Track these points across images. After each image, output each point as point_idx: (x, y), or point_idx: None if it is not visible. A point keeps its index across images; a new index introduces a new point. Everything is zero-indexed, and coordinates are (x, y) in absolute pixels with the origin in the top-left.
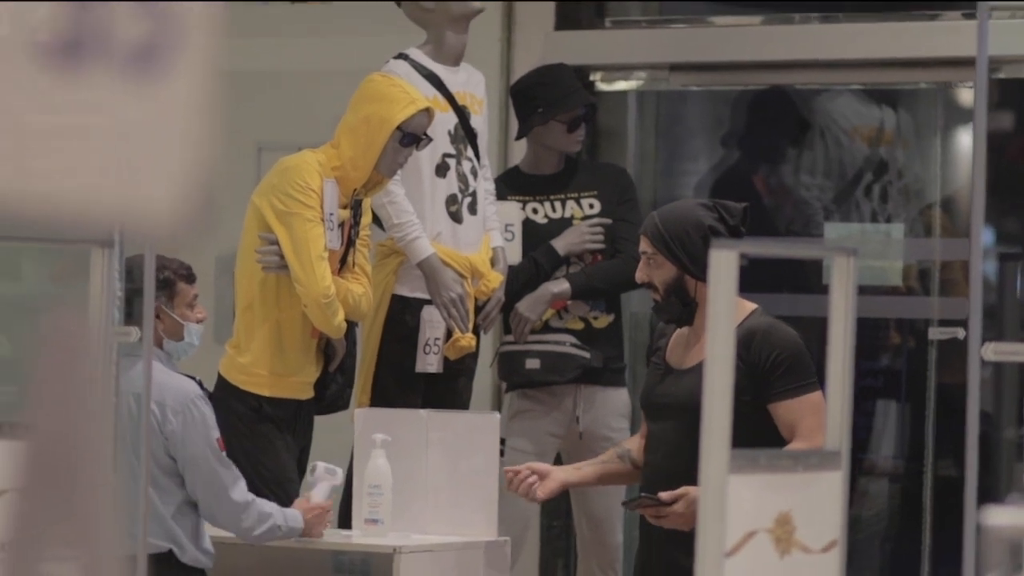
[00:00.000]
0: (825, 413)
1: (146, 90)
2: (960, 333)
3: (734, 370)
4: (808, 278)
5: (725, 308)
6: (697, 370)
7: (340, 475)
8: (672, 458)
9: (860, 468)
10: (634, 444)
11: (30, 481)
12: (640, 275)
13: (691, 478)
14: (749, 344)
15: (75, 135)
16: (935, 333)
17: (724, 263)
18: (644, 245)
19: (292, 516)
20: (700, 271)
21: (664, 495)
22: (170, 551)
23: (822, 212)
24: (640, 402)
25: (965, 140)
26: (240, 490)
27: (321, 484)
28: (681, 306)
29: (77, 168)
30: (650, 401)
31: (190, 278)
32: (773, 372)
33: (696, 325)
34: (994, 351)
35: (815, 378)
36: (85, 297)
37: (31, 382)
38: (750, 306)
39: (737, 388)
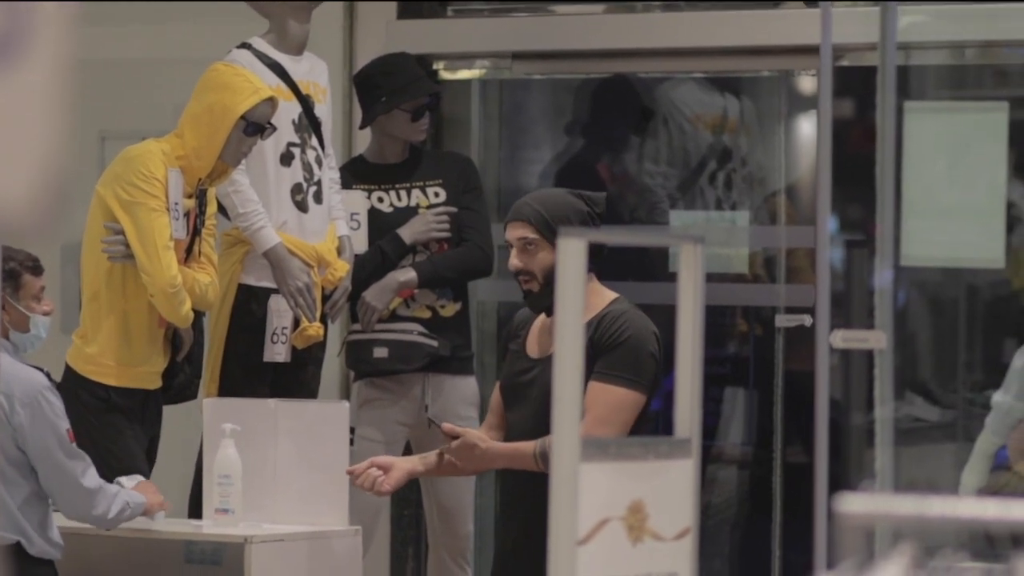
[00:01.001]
0: (625, 414)
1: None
2: (807, 320)
3: (583, 357)
4: (653, 266)
5: (573, 297)
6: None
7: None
8: None
9: (709, 455)
10: (481, 433)
11: None
12: (515, 262)
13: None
14: (599, 325)
15: None
16: (782, 320)
17: (573, 250)
18: (523, 231)
19: (134, 494)
20: None
21: (446, 426)
22: (18, 543)
23: (667, 200)
24: (500, 388)
25: (808, 128)
26: (90, 477)
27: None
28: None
29: None
30: (511, 389)
31: (36, 270)
32: (604, 349)
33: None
34: (842, 338)
35: (640, 381)
36: None
37: None
38: (611, 295)
39: (588, 372)
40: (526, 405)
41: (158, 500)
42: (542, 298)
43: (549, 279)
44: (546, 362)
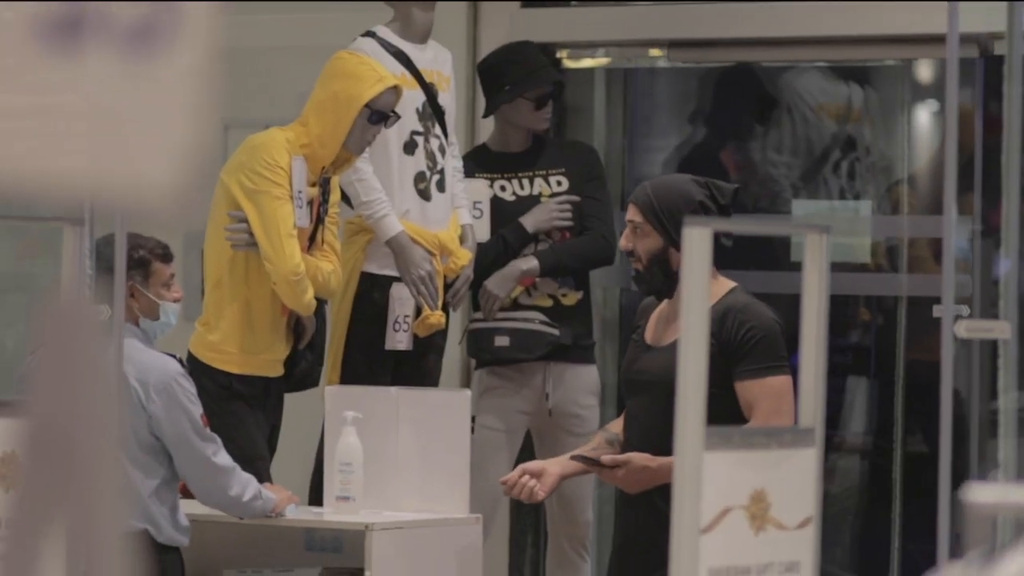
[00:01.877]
0: (787, 398)
1: (144, 69)
2: (964, 310)
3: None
4: (776, 256)
5: (699, 285)
6: (675, 347)
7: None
8: (647, 434)
9: (831, 444)
10: (619, 427)
11: (29, 459)
12: (624, 243)
13: (665, 453)
14: (723, 321)
15: (62, 114)
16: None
17: (698, 240)
18: (632, 214)
19: (266, 491)
20: None
21: (605, 459)
22: (145, 531)
23: (790, 189)
24: (620, 378)
25: (931, 117)
26: (224, 456)
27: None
28: (663, 277)
29: (53, 148)
30: (628, 377)
31: (166, 257)
32: (741, 349)
33: (676, 301)
34: (967, 328)
35: (784, 363)
36: (57, 276)
37: (29, 365)
38: (729, 284)
39: (710, 365)
40: (644, 394)
41: (286, 495)
42: (646, 279)
43: (652, 262)
44: (662, 350)
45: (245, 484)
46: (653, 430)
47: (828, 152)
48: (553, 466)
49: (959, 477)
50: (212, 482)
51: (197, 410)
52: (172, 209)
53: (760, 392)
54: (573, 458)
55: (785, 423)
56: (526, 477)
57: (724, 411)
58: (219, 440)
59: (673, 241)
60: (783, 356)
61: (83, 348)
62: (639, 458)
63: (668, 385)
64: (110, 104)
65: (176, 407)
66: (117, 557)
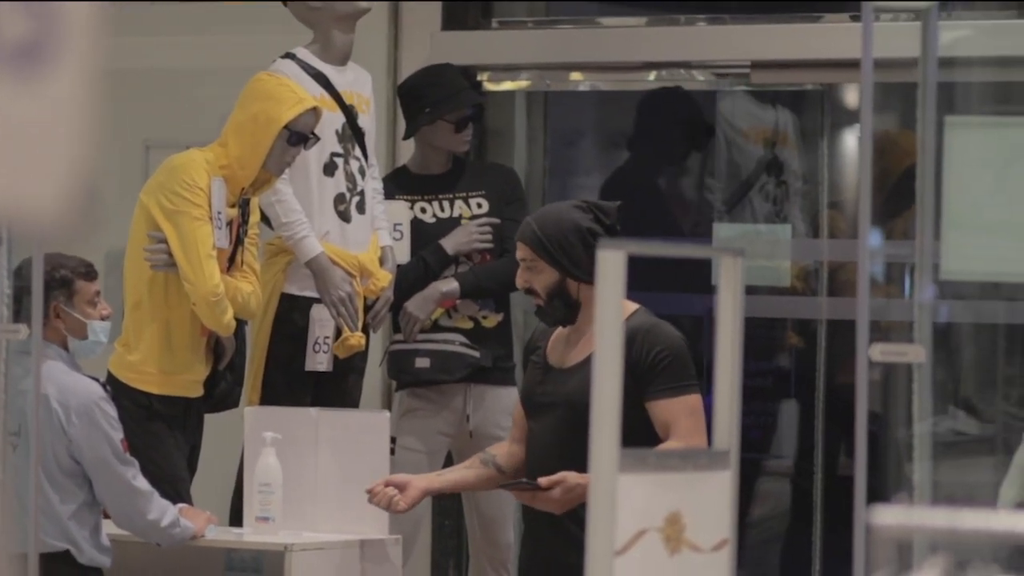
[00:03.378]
0: (703, 416)
1: (30, 88)
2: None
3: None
4: (704, 277)
5: (613, 308)
6: (580, 368)
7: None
8: (554, 456)
9: (749, 467)
10: (501, 450)
11: None
12: (520, 282)
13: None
14: (631, 343)
15: None
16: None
17: (611, 263)
18: (522, 252)
19: (184, 519)
20: (581, 272)
21: (542, 480)
22: (67, 551)
23: (712, 212)
24: (521, 400)
25: (851, 141)
26: (142, 481)
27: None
28: (564, 308)
29: None
30: (532, 400)
31: (89, 275)
32: (652, 370)
33: (578, 324)
34: (881, 352)
35: (695, 380)
36: None
37: None
38: (632, 306)
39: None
40: (549, 416)
41: (204, 517)
42: (548, 313)
43: (551, 295)
44: (567, 372)
45: (163, 510)
46: (561, 452)
47: (750, 175)
48: (419, 480)
49: (877, 500)
50: (131, 506)
51: (118, 435)
52: (59, 229)
53: (679, 410)
54: (503, 487)
55: (704, 440)
56: (390, 488)
57: (631, 432)
58: (137, 464)
59: (568, 271)
60: (693, 375)
61: None
62: (572, 476)
63: (575, 406)
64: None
65: (96, 431)
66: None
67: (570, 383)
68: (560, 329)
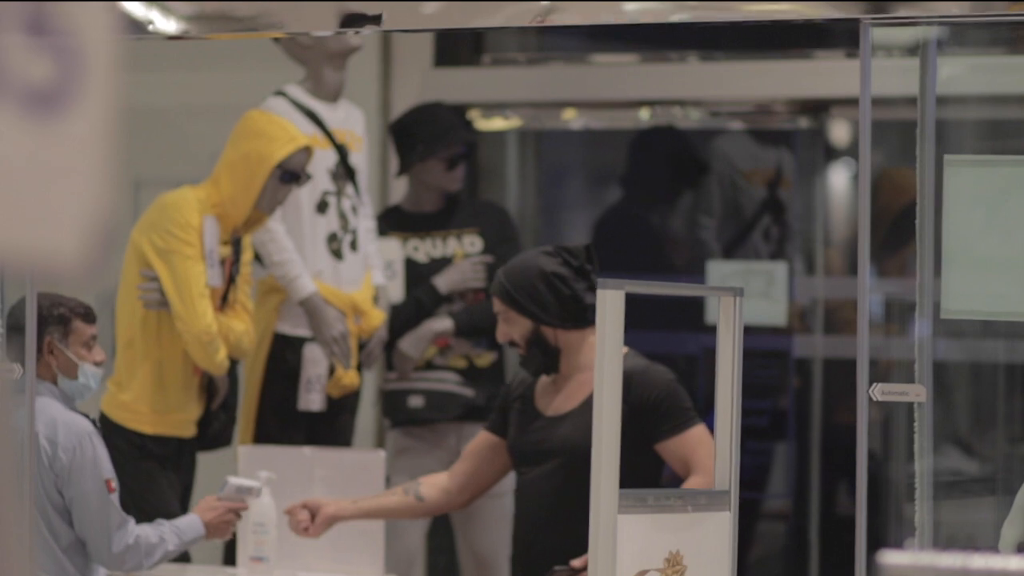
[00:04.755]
0: (711, 441)
1: (46, 128)
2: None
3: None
4: (697, 315)
5: (613, 346)
6: (573, 416)
7: (258, 489)
8: (551, 505)
9: (746, 507)
10: (429, 480)
11: None
12: (500, 336)
13: (573, 522)
14: (628, 388)
15: None
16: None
17: (610, 303)
18: (496, 305)
19: (187, 528)
20: (554, 319)
21: (575, 562)
22: None
23: (705, 250)
24: (510, 450)
25: (847, 179)
26: (122, 535)
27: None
28: (543, 356)
29: None
30: (522, 449)
31: (88, 317)
32: (655, 412)
33: (562, 370)
34: (882, 391)
35: (695, 412)
36: None
37: None
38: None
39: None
40: (545, 463)
41: (225, 532)
42: (531, 362)
43: (529, 345)
44: (561, 419)
45: (141, 556)
46: (558, 499)
47: (745, 214)
48: (329, 506)
49: (876, 540)
50: (106, 546)
51: (104, 474)
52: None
53: (691, 443)
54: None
55: None
56: (304, 513)
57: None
58: (124, 516)
59: (539, 319)
60: (691, 406)
61: None
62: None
63: (573, 453)
64: (13, 164)
65: (83, 465)
66: None
67: (563, 430)
68: (544, 377)
